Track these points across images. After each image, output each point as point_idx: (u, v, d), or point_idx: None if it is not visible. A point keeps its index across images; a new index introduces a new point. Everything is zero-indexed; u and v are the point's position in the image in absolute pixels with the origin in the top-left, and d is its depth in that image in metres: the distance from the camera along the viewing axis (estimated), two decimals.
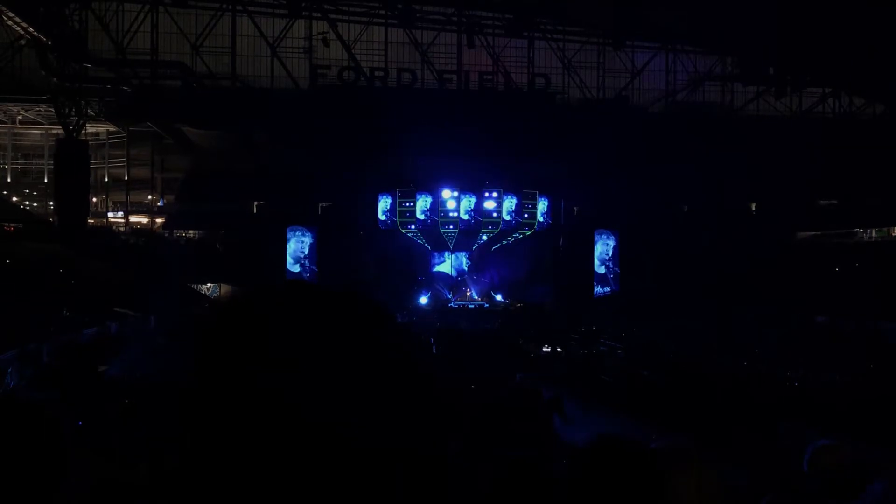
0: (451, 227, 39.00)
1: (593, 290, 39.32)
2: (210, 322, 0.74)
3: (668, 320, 31.02)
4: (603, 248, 39.66)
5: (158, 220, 41.43)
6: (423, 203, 38.46)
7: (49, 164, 40.79)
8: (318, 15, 37.64)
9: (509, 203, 39.08)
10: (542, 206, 39.39)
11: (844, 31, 32.08)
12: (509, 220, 39.19)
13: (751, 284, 33.81)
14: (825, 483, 3.23)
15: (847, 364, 17.66)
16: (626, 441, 1.81)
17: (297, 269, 36.79)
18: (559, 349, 23.82)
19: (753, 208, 42.11)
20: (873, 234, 40.44)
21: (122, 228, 40.85)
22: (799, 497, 3.34)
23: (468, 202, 38.86)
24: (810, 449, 3.37)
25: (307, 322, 0.70)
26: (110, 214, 43.08)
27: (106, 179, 43.44)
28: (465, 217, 38.95)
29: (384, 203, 38.45)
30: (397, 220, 38.33)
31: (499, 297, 39.08)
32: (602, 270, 39.72)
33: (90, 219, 37.25)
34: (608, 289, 39.56)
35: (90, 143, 37.55)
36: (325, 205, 38.51)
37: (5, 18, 31.24)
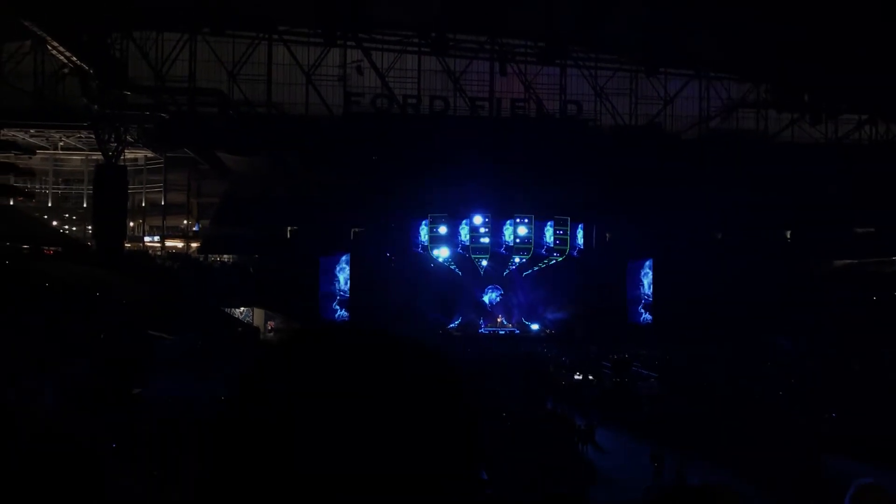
0: (482, 253, 39.00)
1: (626, 316, 38.90)
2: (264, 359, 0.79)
3: (702, 348, 30.61)
4: (643, 275, 39.15)
5: (193, 245, 42.01)
6: (454, 229, 38.54)
7: (88, 189, 41.68)
8: (353, 44, 38.13)
9: (541, 229, 38.98)
10: (574, 232, 39.22)
11: (880, 58, 31.69)
12: (541, 247, 39.06)
13: (787, 313, 33.23)
14: None
15: (888, 398, 17.19)
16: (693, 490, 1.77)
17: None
18: (591, 377, 23.58)
19: (789, 236, 41.50)
20: None
21: (158, 252, 41.50)
22: None
23: (503, 230, 38.84)
24: (853, 487, 3.28)
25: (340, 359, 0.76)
26: (147, 238, 43.83)
27: (143, 204, 44.27)
28: (497, 243, 38.93)
29: (416, 229, 38.60)
30: (429, 245, 38.44)
31: (530, 324, 38.84)
32: (644, 298, 39.19)
33: (127, 242, 37.90)
34: (648, 315, 38.95)
35: (128, 168, 38.30)
36: (357, 230, 38.75)
37: (50, 48, 32.14)
